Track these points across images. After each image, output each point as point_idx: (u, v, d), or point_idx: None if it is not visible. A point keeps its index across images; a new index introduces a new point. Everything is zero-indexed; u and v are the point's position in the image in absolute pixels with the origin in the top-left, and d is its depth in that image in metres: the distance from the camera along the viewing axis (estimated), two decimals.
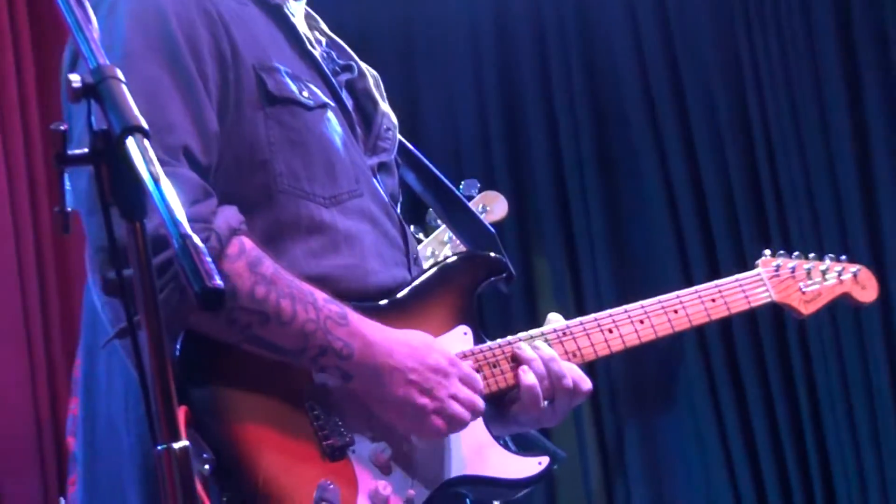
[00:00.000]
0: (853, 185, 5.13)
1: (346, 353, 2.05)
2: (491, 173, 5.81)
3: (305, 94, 2.19)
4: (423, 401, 2.10)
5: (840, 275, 2.84)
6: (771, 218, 5.30)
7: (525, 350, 2.29)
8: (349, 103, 2.33)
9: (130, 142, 1.43)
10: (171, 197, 1.42)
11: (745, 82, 5.36)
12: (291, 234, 2.15)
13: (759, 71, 5.32)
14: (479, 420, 2.22)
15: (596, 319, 2.41)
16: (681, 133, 5.50)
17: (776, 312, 5.14)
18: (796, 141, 5.23)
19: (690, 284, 2.44)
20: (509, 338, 2.31)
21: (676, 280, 5.35)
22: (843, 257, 2.88)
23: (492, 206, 2.50)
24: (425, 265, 2.36)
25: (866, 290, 2.89)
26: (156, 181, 1.42)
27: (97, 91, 1.46)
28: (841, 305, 2.91)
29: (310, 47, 2.29)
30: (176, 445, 1.44)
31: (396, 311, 2.19)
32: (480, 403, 2.16)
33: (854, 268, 2.88)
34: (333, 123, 2.23)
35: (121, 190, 1.45)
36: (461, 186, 3.00)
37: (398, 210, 2.35)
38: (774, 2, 5.27)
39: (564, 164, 5.72)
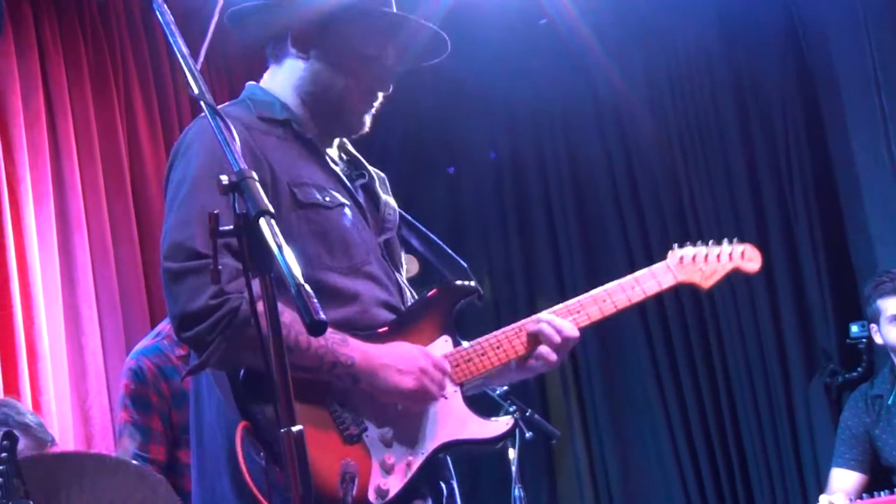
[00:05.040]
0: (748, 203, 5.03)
1: (350, 363, 2.01)
2: (507, 249, 5.79)
3: (327, 198, 2.15)
4: (409, 383, 2.05)
5: (731, 254, 2.59)
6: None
7: (538, 324, 2.29)
8: (362, 199, 2.29)
9: (262, 221, 1.42)
10: (289, 258, 1.40)
11: (681, 188, 5.30)
12: (321, 295, 2.08)
13: (691, 179, 5.26)
14: (460, 399, 2.19)
15: (567, 305, 2.35)
16: (635, 208, 5.44)
17: (707, 347, 5.14)
18: (712, 200, 5.16)
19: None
20: (479, 339, 2.24)
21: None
22: (735, 240, 2.62)
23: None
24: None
25: (752, 261, 2.62)
26: (279, 247, 1.41)
27: (239, 187, 1.46)
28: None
29: (332, 165, 2.26)
30: (294, 429, 1.43)
31: (395, 334, 2.15)
32: (446, 383, 2.13)
33: (741, 247, 2.62)
34: (349, 216, 2.19)
35: (255, 253, 1.44)
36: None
37: (397, 271, 2.30)
38: (702, 143, 5.21)
39: (560, 250, 5.66)
